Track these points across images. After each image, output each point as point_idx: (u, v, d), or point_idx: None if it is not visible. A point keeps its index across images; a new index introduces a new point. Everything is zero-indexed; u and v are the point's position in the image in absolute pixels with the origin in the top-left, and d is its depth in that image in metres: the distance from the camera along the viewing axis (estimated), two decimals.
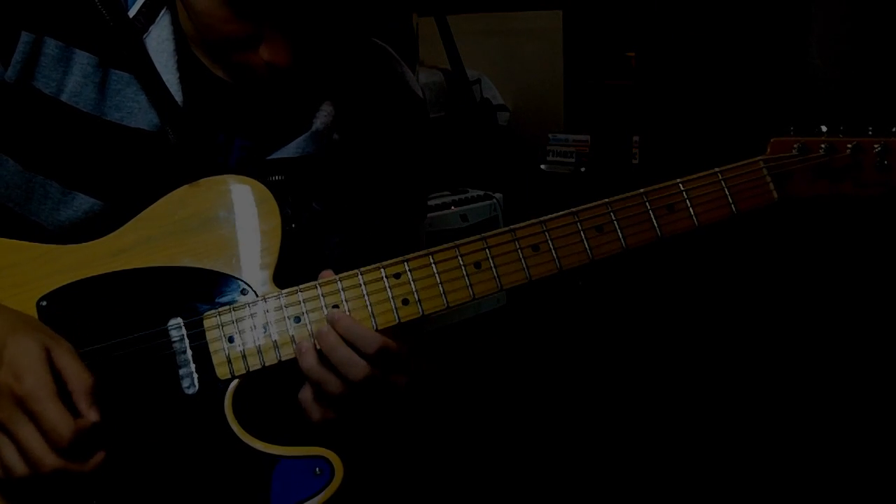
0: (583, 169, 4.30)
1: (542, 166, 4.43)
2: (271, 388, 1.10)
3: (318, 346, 1.06)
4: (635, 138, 3.94)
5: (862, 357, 2.90)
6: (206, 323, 1.08)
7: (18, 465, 0.98)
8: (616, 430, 3.03)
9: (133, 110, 1.12)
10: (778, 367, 3.12)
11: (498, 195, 3.85)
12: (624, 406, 3.14)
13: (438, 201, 3.67)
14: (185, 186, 1.11)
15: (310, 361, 1.06)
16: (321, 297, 1.07)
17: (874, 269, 2.85)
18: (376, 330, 1.07)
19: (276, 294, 1.08)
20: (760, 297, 3.22)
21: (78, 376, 1.01)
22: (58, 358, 1.01)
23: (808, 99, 3.10)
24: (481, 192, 3.85)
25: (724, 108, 3.35)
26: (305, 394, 1.09)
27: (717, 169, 1.12)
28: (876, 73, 2.87)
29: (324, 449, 1.06)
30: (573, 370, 3.40)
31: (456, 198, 3.74)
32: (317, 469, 1.05)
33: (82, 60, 1.11)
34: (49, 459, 0.98)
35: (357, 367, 1.04)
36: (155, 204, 1.11)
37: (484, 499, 2.72)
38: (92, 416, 0.99)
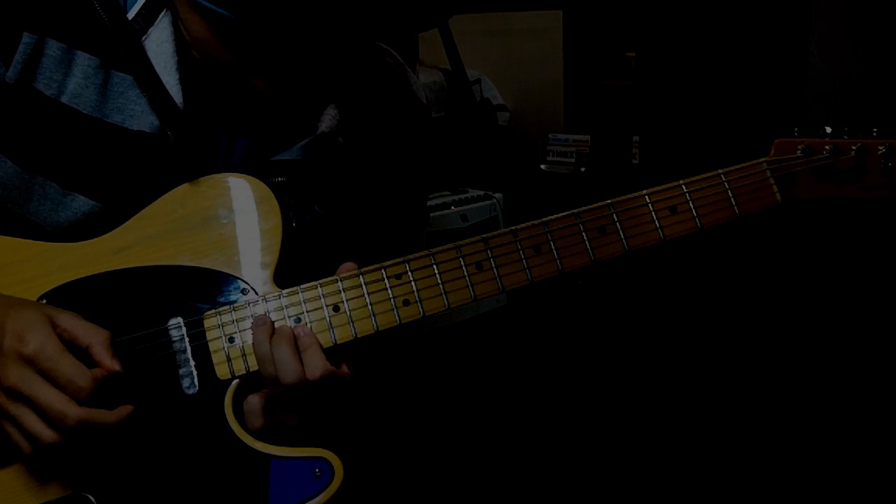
0: (583, 169, 4.30)
1: (542, 166, 4.43)
2: None
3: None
4: (635, 138, 3.94)
5: (862, 357, 2.90)
6: (207, 322, 1.07)
7: (44, 431, 0.97)
8: (615, 430, 3.03)
9: (135, 113, 1.11)
10: (777, 366, 3.12)
11: (498, 195, 3.84)
12: (623, 406, 3.14)
13: (438, 201, 3.66)
14: (186, 185, 1.11)
15: (260, 336, 1.05)
16: (322, 298, 1.07)
17: (875, 271, 2.85)
18: (376, 331, 1.07)
19: (276, 294, 1.08)
20: (760, 297, 3.22)
21: (90, 331, 1.01)
22: (64, 321, 1.01)
23: (808, 99, 3.11)
24: (481, 192, 3.84)
25: (723, 108, 3.35)
26: (254, 399, 1.07)
27: (720, 170, 1.11)
28: (876, 73, 2.88)
29: (324, 450, 1.06)
30: (573, 370, 3.39)
31: (456, 198, 3.73)
32: (317, 470, 1.04)
33: (84, 62, 1.10)
34: (72, 411, 0.97)
35: (291, 372, 1.03)
36: (155, 202, 1.11)
37: (484, 499, 2.72)
38: (115, 365, 1.00)
